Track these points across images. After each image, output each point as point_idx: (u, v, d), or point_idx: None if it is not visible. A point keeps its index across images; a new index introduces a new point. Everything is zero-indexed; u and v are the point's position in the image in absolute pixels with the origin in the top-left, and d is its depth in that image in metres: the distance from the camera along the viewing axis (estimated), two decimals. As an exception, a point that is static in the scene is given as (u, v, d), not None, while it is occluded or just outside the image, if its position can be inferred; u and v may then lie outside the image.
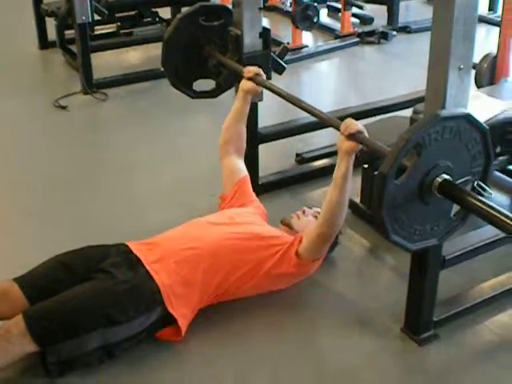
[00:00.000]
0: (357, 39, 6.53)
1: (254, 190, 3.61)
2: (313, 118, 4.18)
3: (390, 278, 3.19)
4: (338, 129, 2.65)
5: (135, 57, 6.35)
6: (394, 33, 6.62)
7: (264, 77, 3.24)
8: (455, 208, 2.37)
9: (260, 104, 3.63)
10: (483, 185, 2.28)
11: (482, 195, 2.24)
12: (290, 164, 4.21)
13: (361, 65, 6.22)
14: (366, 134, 2.60)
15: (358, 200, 3.59)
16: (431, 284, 2.65)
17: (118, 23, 6.40)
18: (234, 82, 3.33)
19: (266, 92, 3.57)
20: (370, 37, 6.56)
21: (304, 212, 3.15)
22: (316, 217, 3.08)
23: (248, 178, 3.32)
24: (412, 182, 2.22)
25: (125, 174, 4.09)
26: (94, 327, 2.54)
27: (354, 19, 6.84)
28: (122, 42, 6.28)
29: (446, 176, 2.23)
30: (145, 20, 6.63)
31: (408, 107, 3.98)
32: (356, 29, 6.67)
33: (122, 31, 6.43)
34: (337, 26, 6.76)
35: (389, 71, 5.94)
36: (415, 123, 2.30)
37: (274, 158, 4.18)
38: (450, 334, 2.78)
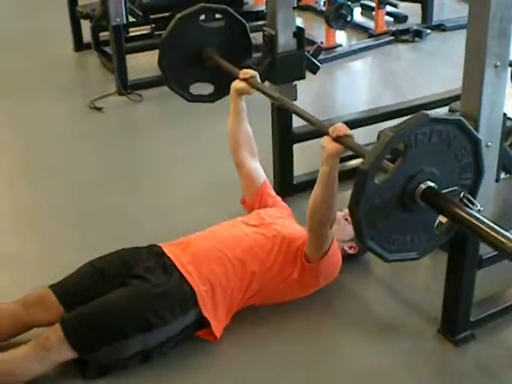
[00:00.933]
0: (391, 38, 6.49)
1: (287, 190, 3.63)
2: (347, 118, 4.20)
3: (425, 279, 3.17)
4: (326, 133, 2.60)
5: (169, 58, 6.36)
6: (429, 31, 6.56)
7: (258, 80, 3.15)
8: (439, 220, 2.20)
9: (294, 103, 3.62)
10: (471, 198, 2.09)
11: (469, 208, 2.07)
12: (325, 164, 4.18)
13: (395, 63, 6.18)
14: (354, 139, 2.54)
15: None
16: (468, 284, 2.63)
17: (153, 25, 6.43)
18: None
19: (300, 92, 3.58)
20: (404, 35, 6.51)
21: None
22: (347, 219, 3.06)
23: (267, 181, 3.30)
24: (394, 184, 2.08)
25: (159, 176, 4.11)
26: (132, 333, 2.56)
27: (387, 17, 6.79)
28: (156, 43, 6.23)
29: (430, 183, 2.08)
30: (179, 21, 6.65)
31: (443, 106, 3.96)
32: (390, 27, 6.63)
33: (156, 33, 6.45)
34: (370, 24, 6.73)
35: (423, 70, 5.90)
36: (402, 121, 2.10)
37: (309, 157, 4.16)
38: (487, 334, 2.75)
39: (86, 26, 6.10)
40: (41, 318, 2.70)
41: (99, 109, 5.09)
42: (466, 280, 2.62)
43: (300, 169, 3.88)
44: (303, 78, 3.58)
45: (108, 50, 5.74)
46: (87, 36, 6.17)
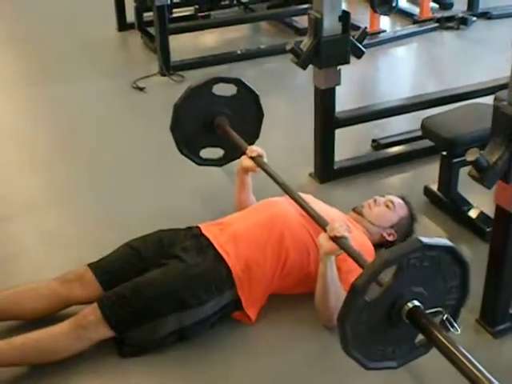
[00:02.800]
0: (435, 24, 6.40)
1: (328, 175, 3.62)
2: (390, 104, 4.18)
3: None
4: (324, 228, 2.62)
5: (212, 39, 6.37)
6: (474, 18, 6.47)
7: (265, 159, 3.17)
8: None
9: (337, 88, 3.61)
10: (452, 320, 2.14)
11: (449, 330, 2.12)
12: (366, 150, 4.17)
13: (439, 50, 6.11)
14: (350, 242, 2.55)
15: (435, 188, 3.54)
16: (509, 276, 2.60)
17: (196, 6, 6.44)
18: (240, 155, 3.27)
19: (343, 76, 3.55)
20: (449, 22, 6.42)
21: (375, 201, 3.10)
22: (388, 206, 3.06)
23: None
24: (383, 302, 2.09)
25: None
26: (168, 312, 2.59)
27: (433, 4, 6.71)
28: (199, 24, 6.29)
29: (416, 303, 2.09)
30: (222, 3, 6.65)
31: (488, 94, 3.90)
32: (435, 14, 6.54)
33: (199, 14, 6.46)
34: (415, 10, 6.64)
35: (468, 57, 5.82)
36: (397, 245, 2.22)
37: (350, 143, 4.16)
38: (527, 327, 2.73)
39: (129, 5, 6.14)
40: (79, 296, 2.74)
41: (141, 89, 5.11)
42: (506, 272, 2.59)
43: (341, 154, 3.86)
44: (348, 62, 3.55)
45: (151, 30, 5.76)
46: (131, 16, 6.20)
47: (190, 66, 5.45)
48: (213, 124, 3.40)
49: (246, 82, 3.44)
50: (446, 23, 6.41)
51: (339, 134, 3.78)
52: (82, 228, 3.46)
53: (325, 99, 3.63)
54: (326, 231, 2.60)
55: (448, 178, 3.45)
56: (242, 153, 3.24)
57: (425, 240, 2.07)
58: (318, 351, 2.69)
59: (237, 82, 3.43)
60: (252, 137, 3.39)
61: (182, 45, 5.88)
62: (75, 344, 2.54)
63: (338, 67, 3.54)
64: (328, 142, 3.75)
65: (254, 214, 2.95)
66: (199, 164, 3.52)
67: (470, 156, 2.32)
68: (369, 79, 5.55)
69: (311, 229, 2.83)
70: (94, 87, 5.22)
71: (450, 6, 6.80)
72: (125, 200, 3.70)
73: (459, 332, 2.11)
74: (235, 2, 6.63)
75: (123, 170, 4.02)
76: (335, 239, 2.55)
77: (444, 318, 2.14)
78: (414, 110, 4.10)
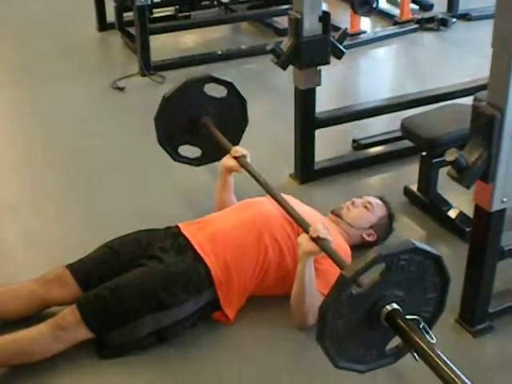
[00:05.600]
0: (416, 26, 6.42)
1: (308, 176, 3.62)
2: (370, 105, 4.19)
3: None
4: (305, 229, 2.63)
5: (193, 40, 6.35)
6: (454, 20, 6.49)
7: (249, 159, 3.18)
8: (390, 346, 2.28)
9: (318, 89, 3.61)
10: (428, 329, 2.15)
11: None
12: (347, 150, 4.18)
13: (419, 51, 6.14)
14: (332, 245, 2.57)
15: (415, 188, 3.55)
16: (488, 275, 2.62)
17: (176, 6, 6.42)
18: (219, 158, 3.27)
19: (324, 77, 3.56)
20: (429, 23, 6.44)
21: (353, 203, 3.10)
22: (366, 207, 3.07)
23: None
24: (365, 299, 2.11)
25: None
26: (147, 312, 2.59)
27: (413, 5, 6.73)
28: (179, 24, 6.28)
29: (396, 306, 2.12)
30: (203, 3, 6.64)
31: (468, 95, 3.92)
32: (415, 15, 6.56)
33: (180, 14, 6.44)
34: (396, 11, 6.66)
35: (447, 58, 5.84)
36: (391, 244, 2.33)
37: (331, 143, 4.16)
38: (506, 326, 2.75)
39: (110, 5, 6.11)
40: (58, 297, 2.74)
41: (121, 89, 5.09)
42: (486, 271, 2.60)
43: (321, 155, 3.86)
44: (328, 63, 3.56)
45: (132, 30, 5.73)
46: (111, 16, 6.16)
47: (170, 66, 5.43)
48: (198, 122, 3.40)
49: (237, 88, 3.44)
50: (426, 24, 6.43)
51: (319, 134, 3.78)
52: (64, 229, 3.45)
53: (305, 99, 3.63)
54: (307, 232, 2.60)
55: (428, 178, 3.47)
56: (222, 153, 3.24)
57: (417, 243, 2.09)
58: (296, 351, 2.69)
59: (229, 85, 3.43)
60: (232, 142, 3.38)
61: (163, 45, 5.86)
62: (54, 345, 2.53)
63: (318, 68, 3.55)
64: (308, 142, 3.75)
65: (233, 213, 2.95)
66: (175, 159, 3.51)
67: (449, 156, 2.33)
68: (349, 80, 5.56)
69: (291, 230, 2.83)
70: (73, 87, 5.18)
71: (430, 7, 6.82)
72: (107, 201, 3.68)
73: (434, 341, 2.12)
74: (216, 2, 6.62)
75: (105, 171, 4.00)
76: (317, 240, 2.55)
77: (421, 326, 2.15)
78: (394, 111, 4.12)
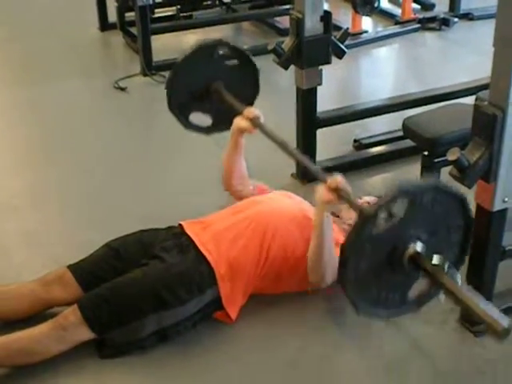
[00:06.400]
0: (417, 25, 6.42)
1: (310, 175, 3.59)
2: (372, 104, 4.19)
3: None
4: (323, 180, 2.57)
5: (194, 40, 6.25)
6: (456, 19, 6.48)
7: (262, 120, 3.09)
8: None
9: (319, 88, 3.61)
10: (455, 273, 2.07)
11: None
12: (348, 150, 4.18)
13: (421, 51, 6.13)
14: (351, 196, 2.49)
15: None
16: (490, 275, 2.61)
17: (178, 6, 6.42)
18: (229, 126, 3.16)
19: (326, 76, 3.56)
20: (430, 23, 6.43)
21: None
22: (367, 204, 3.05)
23: (259, 185, 3.25)
24: (388, 238, 2.08)
25: (182, 157, 4.12)
26: (149, 313, 2.59)
27: (414, 5, 6.73)
28: (181, 24, 6.28)
29: (421, 247, 2.09)
30: (204, 3, 6.64)
31: (470, 95, 3.91)
32: (417, 15, 6.56)
33: (181, 14, 6.45)
34: (397, 11, 6.66)
35: (449, 58, 5.84)
36: (413, 179, 2.24)
37: (332, 143, 4.16)
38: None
39: (111, 5, 6.11)
40: (59, 297, 2.74)
41: (123, 89, 5.10)
42: (487, 271, 2.60)
43: (323, 154, 3.86)
44: (329, 62, 3.56)
45: (133, 30, 5.73)
46: (113, 16, 6.17)
47: (171, 66, 5.37)
48: (209, 88, 3.32)
49: (250, 55, 3.36)
50: (428, 24, 6.43)
51: (321, 134, 3.78)
52: (65, 229, 3.45)
53: (306, 99, 3.64)
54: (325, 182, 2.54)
55: (429, 178, 3.46)
56: (235, 115, 3.14)
57: (442, 183, 2.10)
58: (298, 351, 2.68)
59: (242, 53, 3.35)
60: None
61: (164, 45, 5.86)
62: (55, 346, 2.53)
63: (320, 67, 3.55)
64: (310, 142, 3.75)
65: (236, 212, 2.94)
66: (186, 127, 3.42)
67: (451, 156, 2.33)
68: (350, 79, 5.56)
69: (296, 228, 2.83)
70: (75, 87, 5.19)
71: (432, 6, 6.82)
72: (108, 200, 3.68)
73: (460, 284, 2.05)
74: (217, 2, 6.62)
75: (106, 170, 4.01)
76: (336, 191, 2.48)
77: (446, 267, 2.07)
78: (395, 110, 4.11)
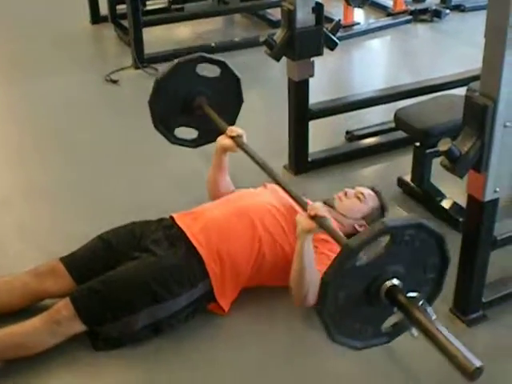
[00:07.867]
0: (409, 17, 6.43)
1: (302, 167, 3.62)
2: (364, 96, 4.19)
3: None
4: (303, 207, 2.63)
5: (186, 32, 6.35)
6: (448, 11, 6.50)
7: (244, 139, 3.13)
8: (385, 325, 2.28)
9: (311, 80, 3.61)
10: (428, 309, 2.10)
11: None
12: (340, 141, 4.19)
13: (413, 43, 6.14)
14: (331, 224, 2.57)
15: (408, 178, 3.56)
16: (481, 264, 2.62)
17: (170, -1, 6.42)
18: (216, 138, 3.20)
19: (318, 68, 3.56)
20: (422, 15, 6.45)
21: (346, 193, 3.10)
22: (358, 197, 3.07)
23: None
24: (367, 272, 2.11)
25: (174, 149, 4.10)
26: (141, 306, 2.59)
27: (406, -4, 6.75)
28: (173, 17, 6.27)
29: (397, 282, 2.12)
30: (196, -4, 6.64)
31: (461, 86, 3.94)
32: (408, 6, 6.56)
33: (173, 6, 6.44)
34: (389, 3, 6.66)
35: (441, 49, 5.85)
36: (397, 218, 2.31)
37: (324, 134, 4.16)
38: (499, 315, 2.75)
39: (103, -2, 6.11)
40: (52, 289, 2.74)
41: (115, 81, 5.09)
42: (479, 261, 2.61)
43: (315, 146, 3.86)
44: (321, 54, 3.56)
45: (125, 23, 5.72)
46: (104, 9, 6.16)
47: (163, 58, 5.40)
48: (192, 103, 3.36)
49: (229, 65, 3.40)
50: (420, 16, 6.45)
51: (313, 125, 3.78)
52: (57, 221, 3.45)
53: (298, 91, 3.64)
54: (305, 210, 2.59)
55: (421, 168, 3.47)
56: (219, 133, 3.19)
57: (423, 220, 2.10)
58: (292, 343, 2.69)
59: (222, 64, 3.39)
60: (228, 122, 3.34)
61: (156, 37, 5.86)
62: (48, 339, 2.53)
63: (312, 59, 3.55)
64: (302, 133, 3.76)
65: (227, 204, 2.94)
66: (172, 142, 3.47)
67: (443, 146, 2.33)
68: (342, 71, 5.56)
69: (284, 221, 2.84)
70: (67, 80, 5.18)
71: (424, -2, 6.84)
72: (100, 193, 3.68)
73: (434, 318, 2.09)
74: (209, -6, 6.62)
75: (98, 163, 4.01)
76: (315, 218, 2.53)
77: (420, 303, 2.11)
78: (387, 102, 4.12)
